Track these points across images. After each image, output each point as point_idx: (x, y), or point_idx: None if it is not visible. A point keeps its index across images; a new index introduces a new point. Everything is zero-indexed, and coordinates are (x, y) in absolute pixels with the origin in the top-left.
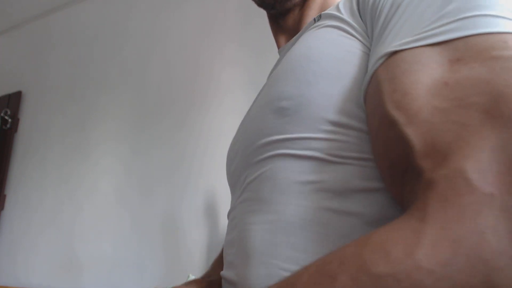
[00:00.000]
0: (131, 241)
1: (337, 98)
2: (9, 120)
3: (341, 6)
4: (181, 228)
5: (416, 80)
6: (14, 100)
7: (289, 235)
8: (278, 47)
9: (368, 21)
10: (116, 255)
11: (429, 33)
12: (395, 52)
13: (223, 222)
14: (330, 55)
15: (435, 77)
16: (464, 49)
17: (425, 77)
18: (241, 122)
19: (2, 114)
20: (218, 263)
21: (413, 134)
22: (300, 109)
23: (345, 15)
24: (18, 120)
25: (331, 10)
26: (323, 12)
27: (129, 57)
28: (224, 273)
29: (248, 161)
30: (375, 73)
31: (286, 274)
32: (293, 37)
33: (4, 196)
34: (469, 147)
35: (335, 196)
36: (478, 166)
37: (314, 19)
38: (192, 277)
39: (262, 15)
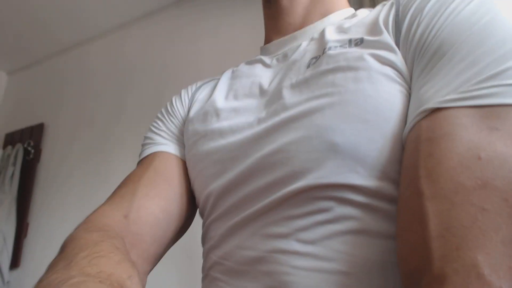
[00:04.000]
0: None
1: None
2: (32, 151)
3: (381, 21)
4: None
5: (453, 147)
6: (36, 132)
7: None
8: (269, 39)
9: (410, 54)
10: None
11: (475, 93)
12: (438, 108)
13: None
14: (383, 97)
15: (471, 146)
16: (504, 118)
17: (462, 145)
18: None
19: (25, 146)
20: None
21: (433, 211)
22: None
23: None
24: (40, 150)
25: (359, 26)
26: (365, 38)
27: (145, 89)
28: None
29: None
30: (418, 124)
31: None
32: (290, 31)
33: (27, 224)
34: (483, 236)
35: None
36: (490, 259)
37: (351, 41)
38: None
39: None
